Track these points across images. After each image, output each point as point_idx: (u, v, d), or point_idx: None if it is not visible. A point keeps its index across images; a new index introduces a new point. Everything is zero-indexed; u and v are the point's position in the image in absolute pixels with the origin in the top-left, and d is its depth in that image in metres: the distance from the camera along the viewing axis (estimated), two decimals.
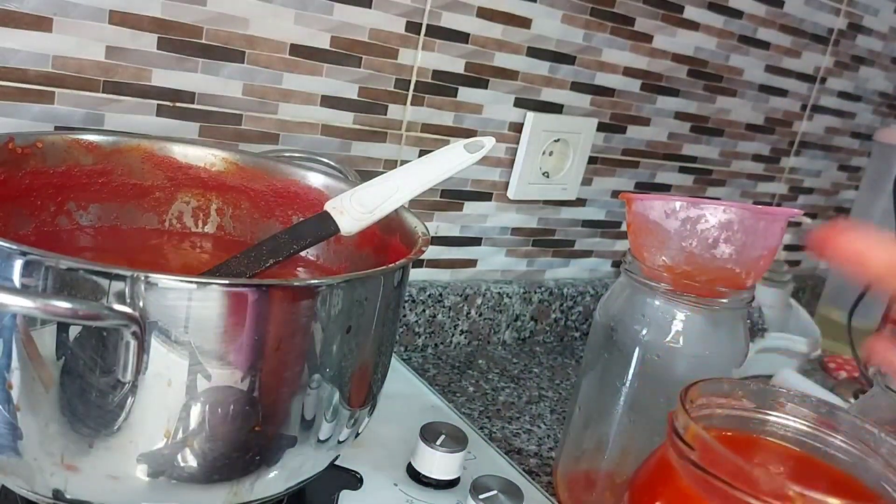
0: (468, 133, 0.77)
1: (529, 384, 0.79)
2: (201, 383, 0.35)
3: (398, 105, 0.72)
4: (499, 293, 0.85)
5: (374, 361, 0.44)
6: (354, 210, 0.47)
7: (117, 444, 0.36)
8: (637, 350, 0.51)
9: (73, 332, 0.34)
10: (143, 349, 0.34)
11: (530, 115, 0.80)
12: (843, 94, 1.11)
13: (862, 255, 0.34)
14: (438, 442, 0.54)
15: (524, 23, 0.76)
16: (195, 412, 0.36)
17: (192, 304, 0.34)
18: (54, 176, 0.50)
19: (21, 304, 0.31)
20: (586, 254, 0.93)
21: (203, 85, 0.62)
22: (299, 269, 0.55)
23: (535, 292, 0.88)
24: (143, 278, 0.33)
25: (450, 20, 0.72)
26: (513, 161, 0.81)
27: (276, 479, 0.41)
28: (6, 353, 0.34)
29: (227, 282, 0.37)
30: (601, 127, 0.86)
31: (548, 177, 0.84)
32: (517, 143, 0.81)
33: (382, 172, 0.49)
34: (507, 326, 0.87)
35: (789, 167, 1.10)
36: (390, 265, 0.41)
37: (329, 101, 0.69)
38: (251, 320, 0.36)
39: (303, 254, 0.52)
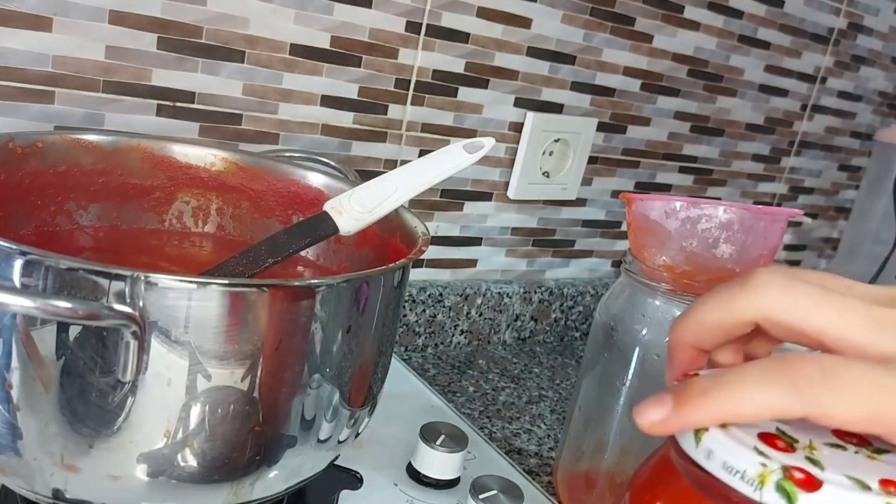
0: (468, 133, 0.77)
1: (529, 384, 0.79)
2: (201, 383, 0.35)
3: (398, 105, 0.72)
4: (499, 293, 0.85)
5: (374, 361, 0.44)
6: (353, 210, 0.47)
7: (117, 444, 0.36)
8: (637, 350, 0.51)
9: (73, 331, 0.34)
10: (143, 349, 0.34)
11: (530, 115, 0.80)
12: (843, 94, 1.11)
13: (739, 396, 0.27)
14: (438, 442, 0.54)
15: (524, 23, 0.76)
16: (195, 412, 0.36)
17: (192, 304, 0.34)
18: (54, 176, 0.50)
19: (21, 303, 0.31)
20: (586, 254, 0.93)
21: (203, 85, 0.62)
22: (299, 269, 0.55)
23: (535, 292, 0.88)
24: (143, 278, 0.33)
25: (450, 20, 0.72)
26: (513, 161, 0.81)
27: (276, 479, 0.41)
28: (6, 353, 0.34)
29: (227, 282, 0.37)
30: (601, 127, 0.86)
31: (548, 177, 0.84)
32: (517, 143, 0.81)
33: (382, 172, 0.49)
34: (507, 326, 0.87)
35: (789, 167, 1.10)
36: (390, 265, 0.41)
37: (329, 101, 0.69)
38: (251, 320, 0.36)
39: (302, 254, 0.52)
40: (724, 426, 0.28)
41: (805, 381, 0.26)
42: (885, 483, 0.25)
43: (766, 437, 0.28)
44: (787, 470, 0.26)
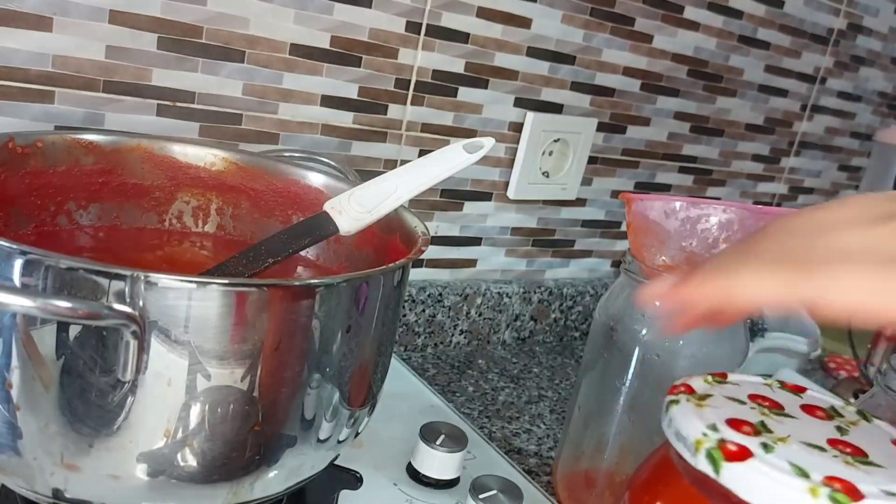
0: (468, 133, 0.77)
1: (529, 384, 0.79)
2: (201, 383, 0.35)
3: (398, 105, 0.72)
4: (498, 293, 0.85)
5: (374, 361, 0.44)
6: (353, 210, 0.47)
7: (117, 444, 0.36)
8: (637, 350, 0.51)
9: (73, 331, 0.34)
10: (142, 349, 0.34)
11: (530, 115, 0.80)
12: (843, 94, 1.11)
13: (728, 292, 0.29)
14: (438, 442, 0.54)
15: (524, 23, 0.76)
16: (195, 412, 0.36)
17: (191, 304, 0.34)
18: (54, 176, 0.50)
19: (21, 303, 0.31)
20: (586, 254, 0.93)
21: (203, 85, 0.62)
22: (299, 268, 0.55)
23: (535, 292, 0.88)
24: (143, 278, 0.33)
25: (450, 20, 0.72)
26: (513, 161, 0.81)
27: (275, 478, 0.41)
28: (6, 353, 0.34)
29: (226, 281, 0.37)
30: (601, 127, 0.86)
31: (548, 177, 0.84)
32: (517, 143, 0.81)
33: (382, 172, 0.49)
34: (507, 326, 0.87)
35: (789, 167, 1.10)
36: (390, 265, 0.41)
37: (329, 101, 0.69)
38: (251, 320, 0.36)
39: (302, 254, 0.52)
40: (698, 404, 0.33)
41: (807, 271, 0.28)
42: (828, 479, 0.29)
43: (733, 423, 0.32)
44: (722, 442, 0.31)
